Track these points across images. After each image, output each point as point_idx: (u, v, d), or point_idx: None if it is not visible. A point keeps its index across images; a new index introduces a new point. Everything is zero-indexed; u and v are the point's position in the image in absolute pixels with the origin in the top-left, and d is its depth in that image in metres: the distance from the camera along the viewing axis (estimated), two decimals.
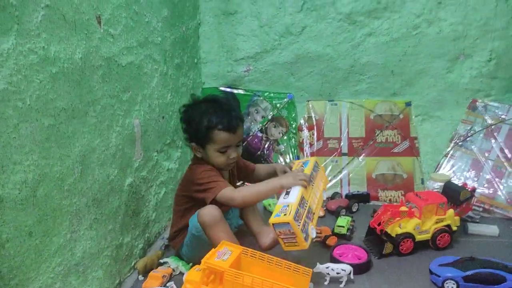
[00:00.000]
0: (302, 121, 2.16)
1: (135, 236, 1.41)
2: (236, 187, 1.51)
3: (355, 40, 2.05)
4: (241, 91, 2.18)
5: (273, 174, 1.51)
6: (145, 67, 1.46)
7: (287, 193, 1.29)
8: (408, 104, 2.09)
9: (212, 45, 2.12)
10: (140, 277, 1.33)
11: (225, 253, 1.13)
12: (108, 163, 1.21)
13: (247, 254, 1.17)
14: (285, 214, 1.19)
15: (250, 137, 2.16)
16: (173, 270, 1.36)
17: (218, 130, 1.34)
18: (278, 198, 1.32)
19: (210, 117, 1.35)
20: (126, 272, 1.34)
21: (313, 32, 2.06)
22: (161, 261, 1.40)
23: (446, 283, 1.27)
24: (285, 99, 2.16)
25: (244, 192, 1.35)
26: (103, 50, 1.16)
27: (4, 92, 0.80)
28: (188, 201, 1.41)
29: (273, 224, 1.20)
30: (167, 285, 1.23)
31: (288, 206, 1.22)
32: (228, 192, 1.32)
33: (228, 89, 2.19)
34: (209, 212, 1.30)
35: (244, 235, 1.49)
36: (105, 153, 1.18)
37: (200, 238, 1.31)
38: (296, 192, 1.26)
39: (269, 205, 1.84)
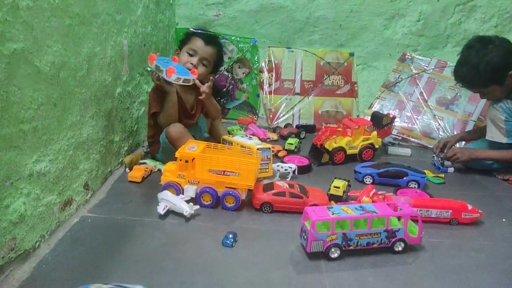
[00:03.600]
0: (263, 64, 2.49)
1: (122, 139, 1.69)
2: (192, 114, 1.78)
3: None
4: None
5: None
6: None
7: (248, 139, 1.65)
8: (352, 54, 2.49)
9: None
10: (127, 170, 1.63)
11: (193, 147, 1.44)
12: (105, 69, 1.47)
13: (210, 147, 1.49)
14: (264, 144, 1.57)
15: (218, 76, 2.46)
16: (153, 167, 1.67)
17: (197, 36, 1.70)
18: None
19: (198, 31, 1.74)
20: (115, 164, 1.64)
21: None
22: (141, 161, 1.70)
23: (365, 177, 1.69)
24: (250, 44, 2.47)
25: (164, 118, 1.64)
26: None
27: None
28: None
29: (258, 149, 1.52)
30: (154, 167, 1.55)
31: (260, 143, 1.60)
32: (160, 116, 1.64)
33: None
34: (174, 129, 1.59)
35: None
36: (103, 60, 1.44)
37: (171, 149, 1.58)
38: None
39: (233, 130, 2.17)
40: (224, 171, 1.36)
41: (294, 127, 2.32)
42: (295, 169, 1.67)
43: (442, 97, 2.28)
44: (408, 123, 2.28)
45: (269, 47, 2.48)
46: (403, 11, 2.38)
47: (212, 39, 1.74)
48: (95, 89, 1.40)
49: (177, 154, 1.38)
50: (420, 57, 2.41)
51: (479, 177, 1.83)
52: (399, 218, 1.19)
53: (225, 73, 2.48)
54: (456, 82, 1.82)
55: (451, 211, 1.35)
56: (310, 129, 2.33)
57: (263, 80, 2.48)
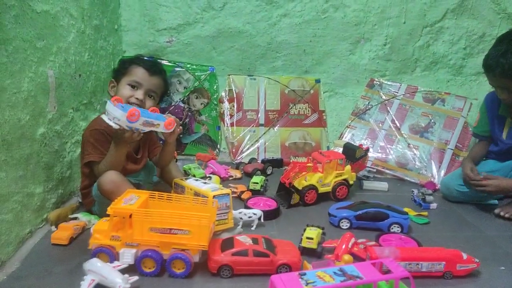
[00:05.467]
0: (223, 94, 2.27)
1: (48, 189, 1.39)
2: (138, 156, 1.51)
3: (271, 19, 2.21)
4: (164, 62, 2.20)
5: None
6: (61, 20, 1.45)
7: (203, 183, 1.39)
8: (318, 81, 2.32)
9: (134, 13, 2.13)
10: (53, 228, 1.32)
11: (131, 199, 1.15)
12: (19, 107, 1.18)
13: (154, 198, 1.21)
14: (221, 189, 1.32)
15: (172, 107, 2.21)
16: (86, 223, 1.36)
17: (138, 65, 1.44)
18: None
19: (138, 58, 1.49)
20: (38, 223, 1.32)
21: (233, 8, 2.18)
22: (71, 216, 1.39)
23: (341, 222, 1.47)
24: (207, 72, 2.25)
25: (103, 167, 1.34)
26: None
27: None
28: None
29: (214, 196, 1.27)
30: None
31: (218, 188, 1.34)
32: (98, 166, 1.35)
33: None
34: (109, 179, 1.28)
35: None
36: (16, 96, 1.16)
37: (107, 201, 1.26)
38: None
39: (190, 168, 1.91)
40: (170, 229, 1.09)
41: (260, 162, 2.09)
42: (261, 216, 1.43)
43: (415, 125, 2.13)
44: (381, 153, 2.10)
45: (229, 75, 2.27)
46: (368, 35, 2.25)
47: (156, 68, 1.48)
48: (3, 132, 1.11)
49: (109, 210, 1.10)
50: (389, 83, 2.28)
51: (465, 213, 1.65)
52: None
53: (181, 104, 2.24)
54: (486, 72, 1.59)
55: (444, 262, 1.14)
56: (277, 163, 2.10)
57: (224, 111, 2.26)
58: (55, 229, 1.30)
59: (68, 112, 1.53)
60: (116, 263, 1.08)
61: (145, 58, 1.53)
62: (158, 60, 1.60)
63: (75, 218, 1.37)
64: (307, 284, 0.88)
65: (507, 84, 1.55)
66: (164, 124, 1.31)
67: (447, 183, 1.78)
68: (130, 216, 1.09)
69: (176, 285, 1.07)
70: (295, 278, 0.91)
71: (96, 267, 1.04)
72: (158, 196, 1.22)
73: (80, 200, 1.50)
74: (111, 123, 1.21)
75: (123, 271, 1.04)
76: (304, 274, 0.92)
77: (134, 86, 1.42)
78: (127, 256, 1.09)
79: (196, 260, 1.11)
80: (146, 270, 1.09)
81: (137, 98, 1.41)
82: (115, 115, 1.20)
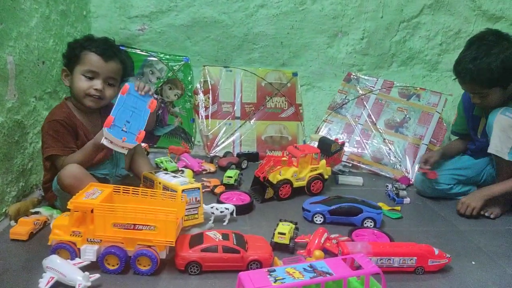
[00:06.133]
0: (198, 85, 2.21)
1: (7, 182, 1.31)
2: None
3: (248, 9, 2.16)
4: (137, 51, 2.12)
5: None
6: (22, 3, 1.36)
7: (173, 176, 1.33)
8: (295, 74, 2.29)
9: None
10: (12, 223, 1.25)
11: (94, 193, 1.10)
12: None
13: (119, 192, 1.16)
14: (191, 183, 1.27)
15: None
16: (48, 218, 1.29)
17: (90, 51, 1.32)
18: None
19: (88, 40, 1.35)
20: None
21: None
22: (32, 210, 1.31)
23: (315, 216, 1.45)
24: (181, 62, 2.18)
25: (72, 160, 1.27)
26: None
27: None
28: None
29: (183, 191, 1.22)
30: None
31: (188, 182, 1.29)
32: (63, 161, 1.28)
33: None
34: (69, 173, 1.22)
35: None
36: None
37: (68, 196, 1.18)
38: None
39: (161, 162, 1.85)
40: (134, 225, 1.04)
41: (235, 155, 2.04)
42: (233, 210, 1.39)
43: (390, 120, 2.13)
44: (357, 148, 2.09)
45: (204, 66, 2.21)
46: (346, 28, 2.23)
47: (110, 51, 1.34)
48: None
49: (69, 204, 1.03)
50: (366, 77, 2.27)
51: (438, 207, 1.66)
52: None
53: (154, 95, 2.16)
54: (456, 78, 1.58)
55: (416, 258, 1.13)
56: (253, 157, 2.06)
57: (198, 103, 2.20)
58: (15, 223, 1.23)
59: (30, 101, 1.44)
60: (77, 260, 1.03)
61: (95, 38, 1.38)
62: (110, 39, 1.42)
63: (37, 213, 1.29)
64: (275, 280, 0.85)
65: (478, 89, 1.55)
66: (147, 107, 1.29)
67: (420, 178, 1.79)
68: (92, 211, 1.04)
69: (141, 283, 1.02)
70: (264, 275, 0.87)
71: (55, 264, 0.98)
72: (123, 190, 1.16)
73: (43, 194, 1.42)
74: (120, 150, 1.21)
75: (84, 268, 0.99)
76: (273, 270, 0.89)
77: (90, 77, 1.32)
78: (89, 253, 1.03)
79: (162, 256, 1.07)
80: (109, 267, 1.04)
81: (96, 89, 1.32)
82: (127, 146, 1.21)
